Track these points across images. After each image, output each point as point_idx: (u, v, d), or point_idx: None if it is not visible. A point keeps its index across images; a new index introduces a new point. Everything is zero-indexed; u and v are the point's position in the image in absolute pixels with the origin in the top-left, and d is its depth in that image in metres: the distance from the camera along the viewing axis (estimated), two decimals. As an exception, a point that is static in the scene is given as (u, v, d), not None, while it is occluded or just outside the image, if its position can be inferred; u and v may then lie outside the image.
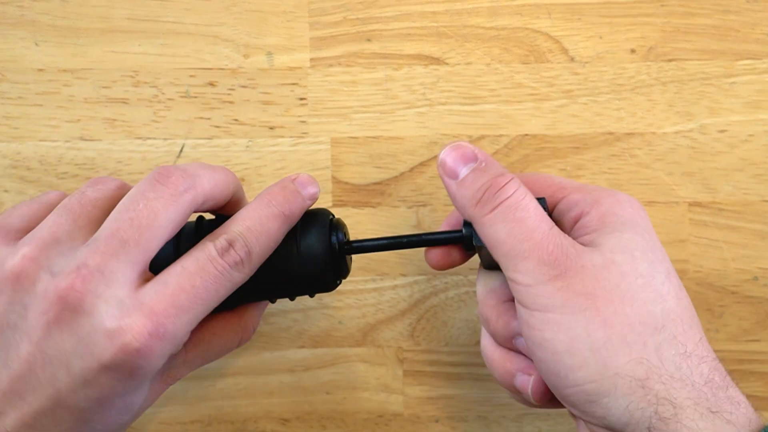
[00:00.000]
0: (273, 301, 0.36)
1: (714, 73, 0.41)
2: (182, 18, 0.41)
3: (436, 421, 0.42)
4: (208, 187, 0.32)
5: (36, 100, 0.41)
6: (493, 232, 0.32)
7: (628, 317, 0.30)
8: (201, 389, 0.41)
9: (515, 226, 0.31)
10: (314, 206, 0.35)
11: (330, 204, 0.41)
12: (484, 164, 0.33)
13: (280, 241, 0.33)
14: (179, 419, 0.41)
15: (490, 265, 0.34)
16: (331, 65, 0.41)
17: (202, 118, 0.41)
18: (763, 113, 0.41)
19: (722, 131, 0.41)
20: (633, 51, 0.41)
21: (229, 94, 0.41)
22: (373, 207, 0.42)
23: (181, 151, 0.41)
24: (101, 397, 0.30)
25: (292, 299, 0.36)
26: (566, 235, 0.32)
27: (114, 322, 0.29)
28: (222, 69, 0.41)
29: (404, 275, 0.42)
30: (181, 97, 0.41)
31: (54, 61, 0.41)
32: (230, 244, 0.31)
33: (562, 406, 0.32)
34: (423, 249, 0.36)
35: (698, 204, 0.41)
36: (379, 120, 0.41)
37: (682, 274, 0.41)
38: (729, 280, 0.41)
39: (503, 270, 0.32)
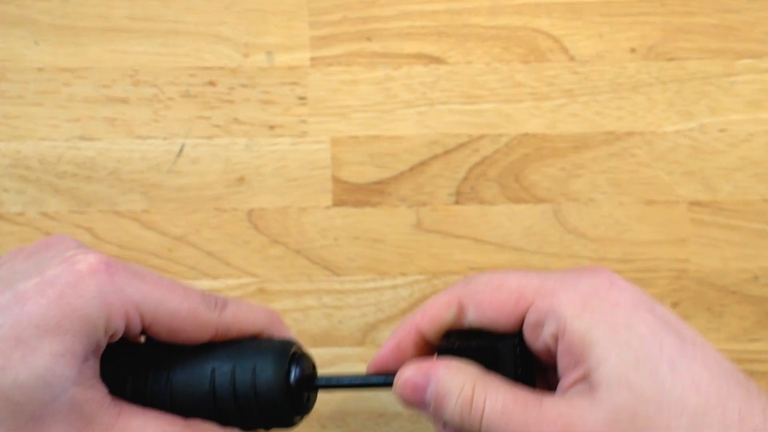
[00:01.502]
0: (225, 424, 0.32)
1: (714, 72, 0.41)
2: (182, 17, 0.41)
3: (437, 420, 0.42)
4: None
5: (36, 99, 0.41)
6: None
7: None
8: (201, 389, 0.41)
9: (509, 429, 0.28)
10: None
11: (330, 204, 0.41)
12: (438, 383, 0.30)
13: (254, 330, 0.32)
14: (179, 419, 0.41)
15: None
16: (331, 64, 0.41)
17: (202, 117, 0.41)
18: (763, 112, 0.41)
19: (722, 130, 0.41)
20: (633, 50, 0.41)
21: (229, 94, 0.41)
22: (373, 206, 0.42)
23: (181, 150, 0.41)
24: None
25: (245, 429, 0.32)
26: (560, 398, 0.29)
27: None
28: (222, 68, 0.41)
29: (404, 275, 0.42)
30: (181, 96, 0.41)
31: (54, 60, 0.41)
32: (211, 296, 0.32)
33: None
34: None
35: (698, 203, 0.41)
36: (379, 119, 0.41)
37: (682, 273, 0.41)
38: (729, 280, 0.41)
39: None
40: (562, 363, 0.30)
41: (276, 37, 0.41)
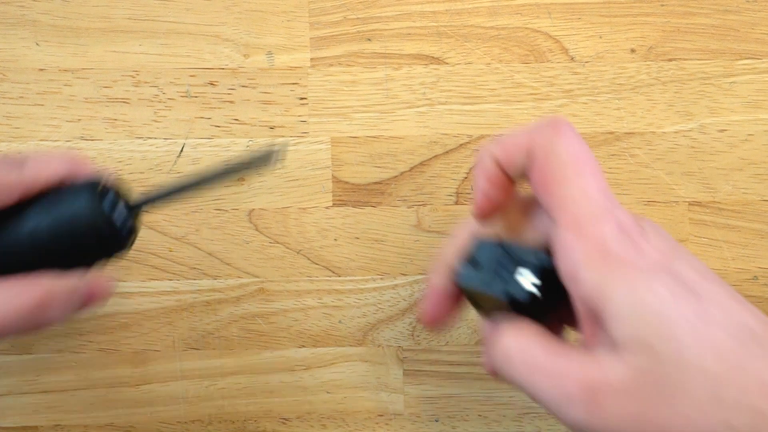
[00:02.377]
0: (67, 269, 0.33)
1: (714, 73, 0.41)
2: (183, 18, 0.41)
3: (437, 420, 0.42)
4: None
5: (37, 100, 0.41)
6: (525, 391, 0.29)
7: (679, 415, 0.26)
8: (201, 389, 0.41)
9: (536, 380, 0.28)
10: None
11: (330, 204, 0.41)
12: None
13: (55, 177, 0.32)
14: (179, 419, 0.41)
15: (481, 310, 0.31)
16: (331, 65, 0.41)
17: (202, 117, 0.41)
18: (762, 113, 0.41)
19: (722, 131, 0.41)
20: (633, 51, 0.41)
21: (229, 94, 0.41)
22: (373, 206, 0.42)
23: (181, 150, 0.41)
24: None
25: (88, 267, 0.33)
26: (579, 353, 0.28)
27: None
28: (222, 69, 0.41)
29: (404, 275, 0.42)
30: (182, 96, 0.41)
31: (55, 60, 0.41)
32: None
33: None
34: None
35: (698, 203, 0.41)
36: (379, 120, 0.41)
37: (682, 273, 0.41)
38: (729, 280, 0.41)
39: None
40: (577, 305, 0.28)
41: (276, 37, 0.41)
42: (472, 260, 0.30)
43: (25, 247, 0.32)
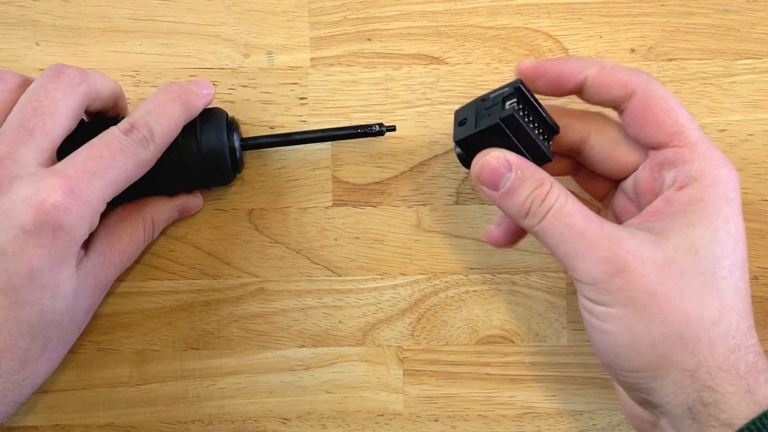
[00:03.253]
0: (172, 194, 0.39)
1: (714, 73, 0.41)
2: (183, 18, 0.41)
3: (436, 420, 0.42)
4: (100, 84, 0.36)
5: (37, 100, 0.41)
6: (547, 239, 0.33)
7: (687, 314, 0.32)
8: (201, 388, 0.41)
9: (566, 231, 0.33)
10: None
11: (330, 204, 0.41)
12: (520, 173, 0.34)
13: (180, 125, 0.36)
14: (179, 418, 0.41)
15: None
16: (331, 65, 0.41)
17: (202, 117, 0.41)
18: (762, 113, 0.41)
19: (722, 131, 0.41)
20: (633, 50, 0.41)
21: (229, 94, 0.41)
22: (373, 206, 0.42)
23: (181, 150, 0.41)
24: (31, 270, 0.31)
25: (190, 191, 0.40)
26: (622, 228, 0.33)
27: (29, 189, 0.31)
28: (222, 68, 0.41)
29: (404, 274, 0.42)
30: (182, 96, 0.41)
31: (55, 60, 0.41)
32: (132, 125, 0.34)
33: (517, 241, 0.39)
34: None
35: (698, 203, 0.41)
36: (379, 119, 0.41)
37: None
38: (729, 280, 0.41)
39: (566, 268, 0.34)
40: (645, 193, 0.35)
41: (276, 37, 0.41)
42: (459, 123, 0.36)
43: (174, 168, 0.37)
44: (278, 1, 0.41)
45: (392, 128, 0.39)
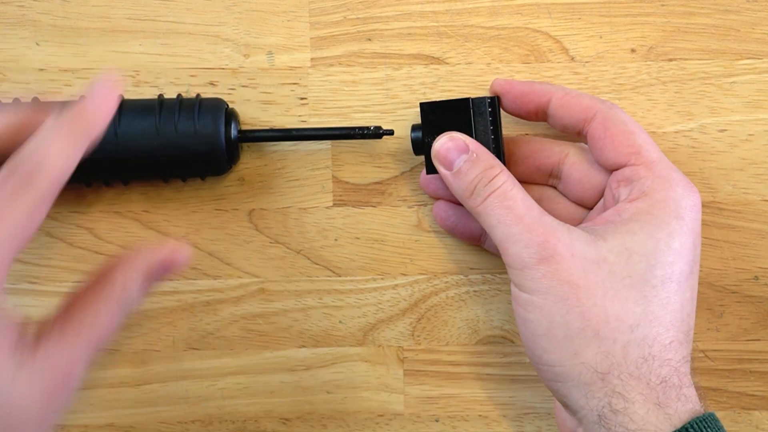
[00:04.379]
0: (166, 181, 0.40)
1: (714, 73, 0.41)
2: (183, 18, 0.41)
3: (437, 420, 0.42)
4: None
5: (37, 100, 0.41)
6: (486, 219, 0.34)
7: (606, 312, 0.32)
8: (202, 389, 0.41)
9: (505, 213, 0.34)
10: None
11: (330, 204, 0.41)
12: (475, 155, 0.35)
13: (76, 154, 0.29)
14: (180, 419, 0.41)
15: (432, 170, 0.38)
16: (331, 65, 0.41)
17: (202, 117, 0.41)
18: (763, 113, 0.41)
19: (722, 131, 0.41)
20: (633, 50, 0.41)
21: (229, 94, 0.41)
22: (373, 206, 0.42)
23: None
24: None
25: (184, 180, 0.40)
26: (560, 222, 0.34)
27: None
28: (222, 68, 0.41)
29: (405, 275, 0.42)
30: (182, 96, 0.41)
31: (55, 60, 0.41)
32: (13, 169, 0.27)
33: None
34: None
35: (698, 203, 0.41)
36: (379, 119, 0.41)
37: (682, 273, 0.41)
38: (729, 280, 0.41)
39: (501, 253, 0.34)
40: (614, 197, 0.36)
41: (276, 37, 0.41)
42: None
43: (147, 133, 0.37)
44: (278, 1, 0.41)
45: (390, 132, 0.39)
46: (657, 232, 0.33)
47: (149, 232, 0.41)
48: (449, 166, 0.36)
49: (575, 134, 0.38)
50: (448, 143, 0.36)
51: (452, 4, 0.41)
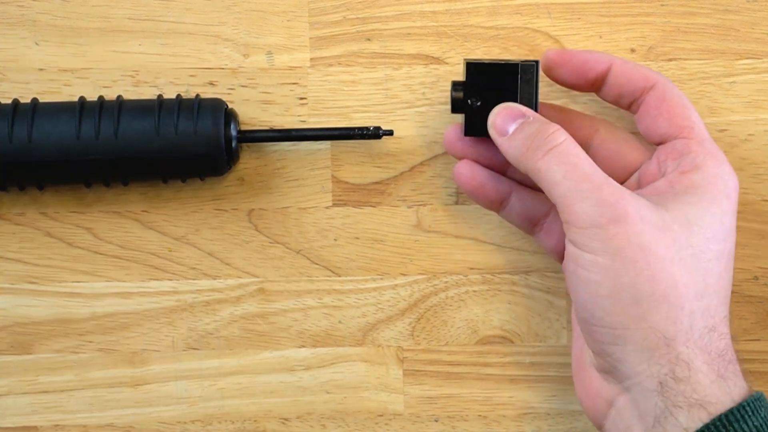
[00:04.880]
0: (165, 181, 0.39)
1: (714, 73, 0.41)
2: (182, 18, 0.41)
3: (436, 420, 0.42)
4: None
5: (36, 100, 0.41)
6: (549, 174, 0.33)
7: (675, 278, 0.32)
8: (201, 389, 0.41)
9: (571, 169, 0.33)
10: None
11: (330, 204, 0.41)
12: (531, 118, 0.35)
13: None
14: (179, 419, 0.41)
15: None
16: (331, 65, 0.41)
17: (202, 117, 0.41)
18: (763, 113, 0.41)
19: (722, 131, 0.41)
20: (633, 50, 0.41)
21: (229, 94, 0.41)
22: (373, 206, 0.42)
23: (181, 150, 0.41)
24: None
25: (183, 180, 0.40)
26: (624, 187, 0.33)
27: None
28: (222, 68, 0.41)
29: (404, 275, 0.42)
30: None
31: (54, 60, 0.41)
32: None
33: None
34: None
35: (698, 203, 0.41)
36: (379, 119, 0.41)
37: (682, 273, 0.41)
38: (729, 280, 0.41)
39: (559, 212, 0.33)
40: (648, 173, 0.36)
41: (276, 37, 0.41)
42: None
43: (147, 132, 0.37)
44: (278, 1, 0.41)
45: (389, 132, 0.39)
46: (711, 206, 0.33)
47: (149, 232, 0.41)
48: (504, 132, 0.35)
49: (628, 104, 0.37)
50: (506, 109, 0.36)
51: (452, 4, 0.41)
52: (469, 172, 0.38)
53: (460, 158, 0.39)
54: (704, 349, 0.31)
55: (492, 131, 0.36)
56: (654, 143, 0.37)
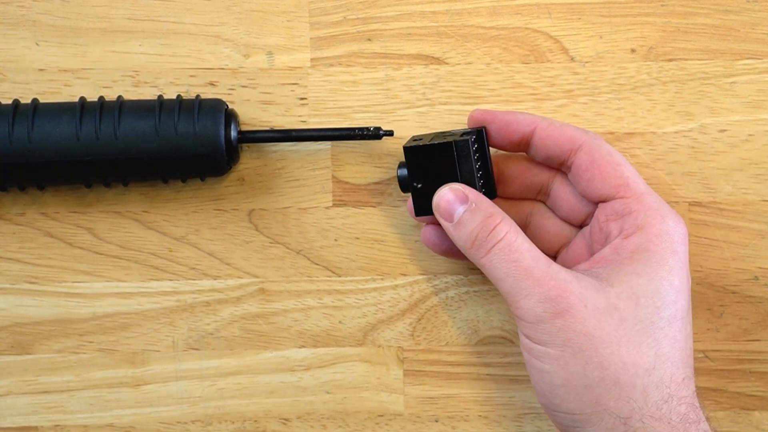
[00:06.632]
0: (165, 181, 0.39)
1: (714, 73, 0.41)
2: (183, 18, 0.41)
3: (437, 420, 0.42)
4: None
5: (36, 100, 0.41)
6: (492, 272, 0.34)
7: (623, 360, 0.32)
8: (201, 389, 0.41)
9: (513, 267, 0.33)
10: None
11: (330, 204, 0.41)
12: (474, 205, 0.35)
13: None
14: (179, 419, 0.41)
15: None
16: (331, 65, 0.41)
17: (202, 117, 0.41)
18: (763, 113, 0.41)
19: (722, 131, 0.41)
20: (633, 51, 0.41)
21: (229, 94, 0.41)
22: (373, 207, 0.42)
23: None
24: None
25: (184, 180, 0.40)
26: (568, 271, 0.33)
27: None
28: (222, 69, 0.41)
29: (405, 275, 0.42)
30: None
31: (55, 60, 0.41)
32: None
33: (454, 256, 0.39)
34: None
35: (698, 204, 0.41)
36: (379, 120, 0.41)
37: (682, 273, 0.41)
38: (729, 280, 0.41)
39: (508, 305, 0.34)
40: (594, 242, 0.36)
41: (276, 37, 0.41)
42: (413, 138, 0.39)
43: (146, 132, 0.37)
44: (278, 1, 0.41)
45: (390, 132, 0.39)
46: (659, 271, 0.33)
47: (149, 232, 0.41)
48: (450, 218, 0.35)
49: (557, 165, 0.38)
50: (448, 195, 0.35)
51: (452, 4, 0.41)
52: (433, 238, 0.39)
53: (439, 253, 0.40)
54: (663, 419, 0.32)
55: (437, 215, 0.36)
56: (593, 203, 0.37)
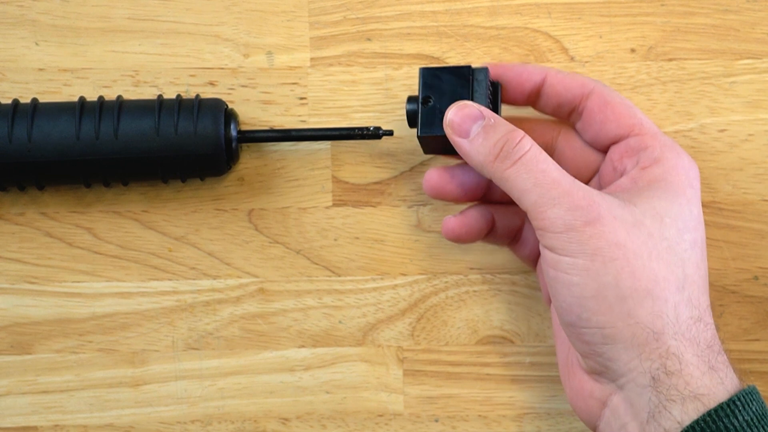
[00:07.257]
0: (165, 181, 0.39)
1: (714, 73, 0.41)
2: (182, 17, 0.41)
3: (436, 420, 0.42)
4: None
5: (36, 100, 0.41)
6: (519, 183, 0.33)
7: (655, 272, 0.32)
8: (201, 389, 0.41)
9: (541, 176, 0.32)
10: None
11: (330, 204, 0.41)
12: (492, 121, 0.34)
13: None
14: (179, 419, 0.41)
15: (433, 150, 0.38)
16: (331, 65, 0.41)
17: (202, 117, 0.41)
18: (763, 113, 0.41)
19: (722, 131, 0.41)
20: (633, 50, 0.41)
21: (229, 94, 0.41)
22: (373, 206, 0.42)
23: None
24: None
25: (183, 180, 0.39)
26: (592, 189, 0.33)
27: None
28: (222, 68, 0.41)
29: (404, 275, 0.42)
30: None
31: (54, 60, 0.41)
32: None
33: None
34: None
35: (698, 203, 0.41)
36: (379, 119, 0.41)
37: (682, 273, 0.41)
38: (729, 280, 0.41)
39: (530, 219, 0.33)
40: (608, 183, 0.36)
41: (276, 37, 0.41)
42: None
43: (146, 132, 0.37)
44: (278, 1, 0.41)
45: (390, 132, 0.39)
46: (678, 197, 0.33)
47: (149, 232, 0.41)
48: (465, 134, 0.34)
49: (567, 113, 0.37)
50: (462, 110, 0.35)
51: (452, 4, 0.41)
52: (439, 178, 0.38)
53: (435, 197, 0.38)
54: (692, 340, 0.31)
55: (448, 130, 0.35)
56: (604, 148, 0.37)
